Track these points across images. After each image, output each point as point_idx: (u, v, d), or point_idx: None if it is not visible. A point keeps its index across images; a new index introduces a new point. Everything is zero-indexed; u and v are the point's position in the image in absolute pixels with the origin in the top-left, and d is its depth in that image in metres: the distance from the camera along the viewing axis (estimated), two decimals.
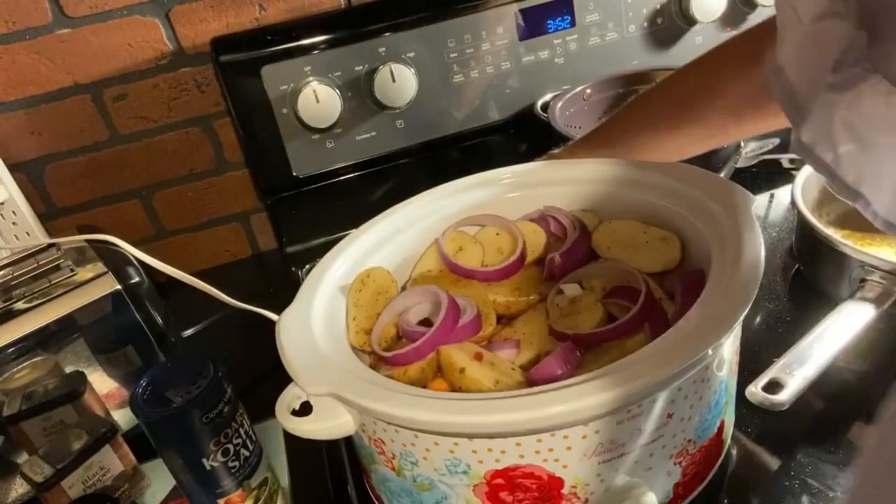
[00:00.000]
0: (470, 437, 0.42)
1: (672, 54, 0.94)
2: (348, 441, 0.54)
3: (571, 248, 0.56)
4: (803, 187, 0.70)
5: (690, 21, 0.92)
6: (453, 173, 0.69)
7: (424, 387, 0.48)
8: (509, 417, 0.40)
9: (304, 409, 0.47)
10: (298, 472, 0.62)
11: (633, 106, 0.64)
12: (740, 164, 0.83)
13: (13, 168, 0.89)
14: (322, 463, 0.62)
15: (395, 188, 0.70)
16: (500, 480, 0.44)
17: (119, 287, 0.65)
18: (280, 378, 0.48)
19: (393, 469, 0.48)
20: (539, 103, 0.90)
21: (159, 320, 0.69)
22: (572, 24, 0.89)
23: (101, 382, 0.66)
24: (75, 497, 0.57)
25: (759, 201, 0.56)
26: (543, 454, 0.42)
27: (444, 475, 0.45)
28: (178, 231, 1.00)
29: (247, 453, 0.53)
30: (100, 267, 0.67)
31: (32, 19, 0.82)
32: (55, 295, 0.64)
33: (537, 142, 0.65)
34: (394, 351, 0.50)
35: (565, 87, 0.87)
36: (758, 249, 0.48)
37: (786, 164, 0.86)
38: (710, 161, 0.73)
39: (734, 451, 0.56)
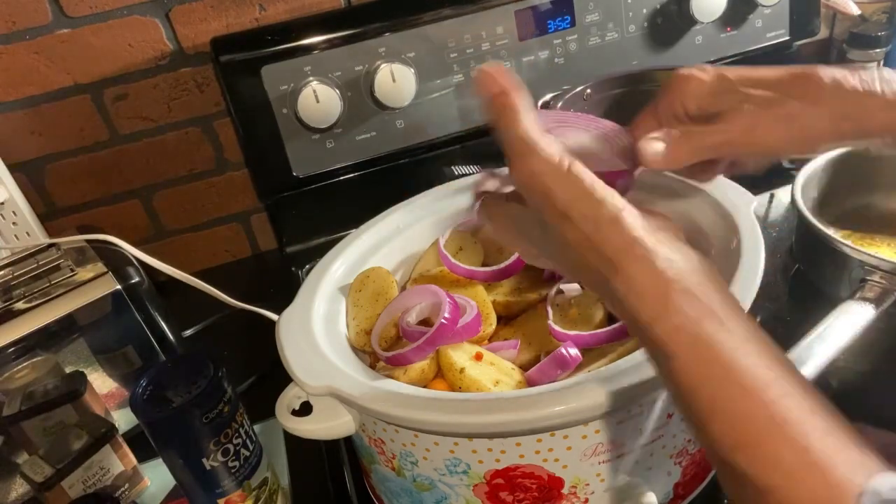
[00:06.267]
0: (470, 437, 0.42)
1: (672, 54, 0.94)
2: (348, 441, 0.54)
3: None
4: (803, 187, 0.69)
5: (690, 21, 0.91)
6: (453, 173, 0.69)
7: (424, 387, 0.48)
8: (509, 417, 0.40)
9: (304, 409, 0.48)
10: (298, 472, 0.62)
11: None
12: None
13: (13, 168, 0.89)
14: (322, 463, 0.62)
15: (395, 188, 0.69)
16: (500, 480, 0.44)
17: (119, 287, 0.65)
18: (280, 378, 0.48)
19: (393, 469, 0.48)
20: (539, 103, 0.90)
21: (159, 320, 0.69)
22: (572, 24, 0.89)
23: (101, 382, 0.66)
24: (75, 497, 0.57)
25: (759, 201, 0.55)
26: (543, 454, 0.42)
27: (444, 475, 0.45)
28: (178, 231, 1.00)
29: (247, 453, 0.53)
30: (100, 267, 0.67)
31: (32, 19, 0.82)
32: (55, 295, 0.64)
33: None
34: (394, 351, 0.50)
35: (565, 87, 0.87)
36: (758, 249, 0.48)
37: (786, 164, 0.86)
38: None
39: None
